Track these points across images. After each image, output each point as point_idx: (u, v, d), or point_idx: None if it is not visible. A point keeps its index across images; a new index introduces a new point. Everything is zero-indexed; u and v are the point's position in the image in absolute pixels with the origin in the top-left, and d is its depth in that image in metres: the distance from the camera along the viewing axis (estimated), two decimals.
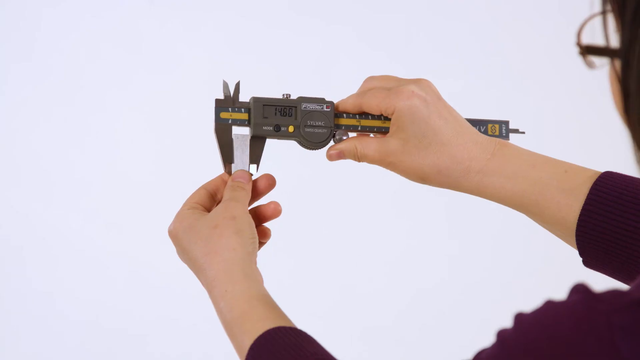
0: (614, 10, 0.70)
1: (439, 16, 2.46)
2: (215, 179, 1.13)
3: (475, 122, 1.17)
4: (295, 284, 2.33)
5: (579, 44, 0.73)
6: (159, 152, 2.36)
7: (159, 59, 2.36)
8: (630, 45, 0.69)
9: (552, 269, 2.49)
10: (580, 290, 0.74)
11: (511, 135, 1.19)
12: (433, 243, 2.46)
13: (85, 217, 2.32)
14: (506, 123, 1.18)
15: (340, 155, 1.14)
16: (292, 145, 2.33)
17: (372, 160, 1.13)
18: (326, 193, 2.43)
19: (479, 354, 0.80)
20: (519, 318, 0.77)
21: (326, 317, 2.36)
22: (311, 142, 1.15)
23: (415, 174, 1.12)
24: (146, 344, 2.33)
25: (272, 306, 1.01)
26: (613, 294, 0.72)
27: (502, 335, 0.77)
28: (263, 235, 1.14)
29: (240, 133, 1.14)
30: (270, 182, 1.15)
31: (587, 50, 0.72)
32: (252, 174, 1.13)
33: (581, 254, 1.08)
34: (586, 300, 0.73)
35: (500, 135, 1.18)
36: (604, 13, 0.71)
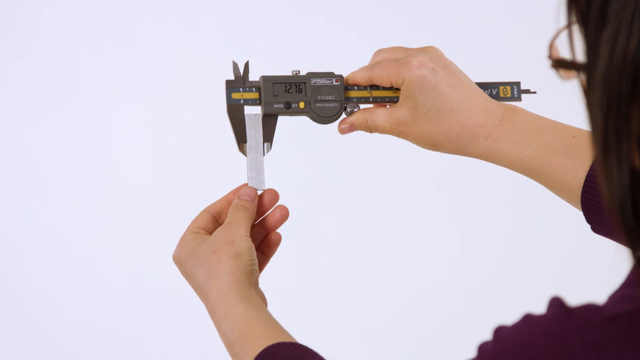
0: (579, 22, 0.70)
1: (439, 15, 2.45)
2: (218, 201, 1.13)
3: (486, 85, 1.18)
4: (295, 285, 2.32)
5: (550, 57, 0.73)
6: (158, 152, 2.36)
7: (158, 58, 2.36)
8: (593, 62, 0.68)
9: (554, 272, 2.48)
10: (555, 305, 0.74)
11: (523, 96, 1.20)
12: (434, 245, 2.45)
13: (84, 218, 2.32)
14: (517, 84, 1.19)
15: (352, 128, 1.15)
16: (292, 142, 2.32)
17: (383, 130, 1.14)
18: (326, 193, 2.43)
19: None
20: (498, 332, 0.77)
21: (325, 318, 2.36)
22: (323, 117, 1.15)
23: (425, 142, 1.13)
24: (144, 346, 2.33)
25: (271, 324, 1.02)
26: (587, 309, 0.72)
27: (482, 350, 0.78)
28: (272, 245, 1.14)
29: (252, 113, 1.15)
30: (274, 197, 1.15)
31: (558, 64, 0.72)
32: (257, 194, 1.13)
33: (587, 220, 1.08)
34: (560, 316, 0.73)
35: (512, 97, 1.19)
36: (569, 25, 0.71)
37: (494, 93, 1.18)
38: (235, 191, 1.14)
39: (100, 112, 2.34)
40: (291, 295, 2.21)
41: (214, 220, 1.12)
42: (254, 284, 1.06)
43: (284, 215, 1.14)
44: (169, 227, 2.30)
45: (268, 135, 1.14)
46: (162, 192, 2.34)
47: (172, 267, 2.34)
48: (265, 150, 1.14)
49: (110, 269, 2.33)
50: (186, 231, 1.11)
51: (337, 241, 2.43)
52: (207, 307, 1.06)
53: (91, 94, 2.33)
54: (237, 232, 1.07)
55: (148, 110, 2.36)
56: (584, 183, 1.06)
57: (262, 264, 1.15)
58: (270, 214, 1.14)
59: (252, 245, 1.08)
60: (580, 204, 1.08)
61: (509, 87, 1.19)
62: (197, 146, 2.35)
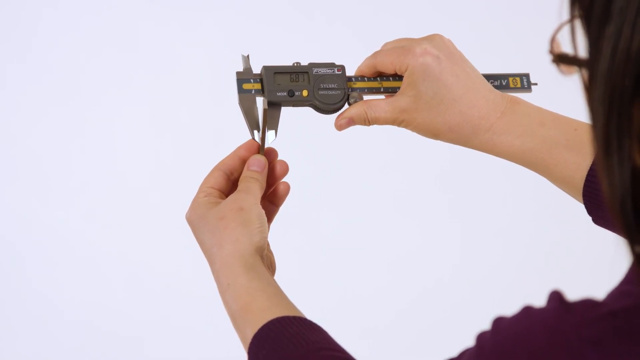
0: (581, 17, 0.70)
1: (440, 15, 2.45)
2: (230, 158, 1.13)
3: (496, 77, 1.18)
4: (296, 284, 2.32)
5: (551, 52, 0.72)
6: (158, 151, 2.36)
7: (158, 58, 2.36)
8: (595, 59, 0.68)
9: (557, 269, 2.48)
10: (555, 299, 0.74)
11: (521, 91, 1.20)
12: (436, 242, 2.45)
13: (83, 218, 2.32)
14: (527, 75, 1.19)
15: (350, 123, 1.13)
16: (293, 139, 2.32)
17: (384, 121, 1.12)
18: (327, 191, 2.43)
19: (462, 353, 0.81)
20: (497, 324, 0.77)
21: (326, 316, 2.36)
22: (327, 104, 1.14)
23: (427, 130, 1.11)
24: (143, 346, 2.33)
25: (275, 296, 1.00)
26: (585, 304, 0.72)
27: (480, 339, 0.78)
28: (280, 195, 1.14)
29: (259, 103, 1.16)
30: (284, 169, 1.14)
31: (559, 59, 0.72)
32: (266, 162, 1.13)
33: (589, 213, 1.08)
34: (558, 310, 0.73)
35: (522, 87, 1.18)
36: (572, 19, 0.71)
37: (503, 84, 1.18)
38: (244, 147, 1.13)
39: (100, 112, 2.34)
40: (292, 293, 2.20)
41: (227, 178, 1.11)
42: (262, 252, 1.05)
43: (284, 169, 1.14)
44: (169, 228, 2.30)
45: (273, 124, 1.14)
46: (162, 191, 2.34)
47: (172, 267, 2.35)
48: (270, 139, 1.15)
49: (110, 269, 2.33)
50: (199, 191, 1.10)
51: (339, 239, 2.42)
52: (212, 274, 1.05)
53: (91, 94, 2.33)
54: (246, 199, 1.06)
55: (148, 110, 2.36)
56: (586, 177, 1.06)
57: (272, 214, 1.14)
58: (271, 170, 1.14)
59: (262, 212, 1.07)
60: (582, 197, 1.07)
61: (518, 79, 1.19)
62: (197, 146, 2.35)
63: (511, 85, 1.18)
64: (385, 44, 1.15)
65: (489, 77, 1.17)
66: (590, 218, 1.09)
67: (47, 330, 2.30)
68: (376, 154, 2.42)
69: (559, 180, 1.09)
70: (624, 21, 0.67)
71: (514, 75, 1.19)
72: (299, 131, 2.08)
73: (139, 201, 2.34)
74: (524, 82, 1.19)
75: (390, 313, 2.42)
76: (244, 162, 1.13)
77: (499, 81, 1.18)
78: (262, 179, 1.11)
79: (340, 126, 1.14)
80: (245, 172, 1.11)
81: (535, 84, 1.20)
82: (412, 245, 2.44)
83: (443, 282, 2.44)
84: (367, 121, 1.13)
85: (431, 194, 2.45)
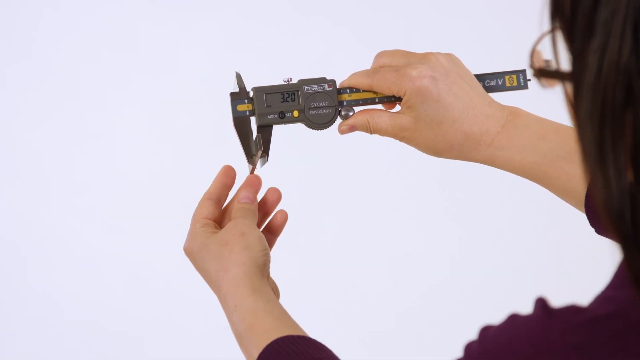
0: (562, 29, 0.69)
1: (439, 15, 2.45)
2: (214, 186, 1.13)
3: (492, 76, 1.17)
4: (295, 286, 2.32)
5: (532, 66, 0.72)
6: (158, 152, 2.36)
7: (158, 58, 2.36)
8: (581, 72, 0.68)
9: (555, 272, 2.48)
10: (539, 306, 0.74)
11: (522, 92, 1.20)
12: (435, 245, 2.45)
13: (83, 218, 2.32)
14: (523, 72, 1.18)
15: (352, 129, 1.15)
16: (291, 144, 2.32)
17: (385, 134, 1.13)
18: (327, 193, 2.43)
19: None
20: (484, 333, 0.77)
21: (326, 319, 2.36)
22: (317, 124, 1.14)
23: (428, 149, 1.13)
24: (143, 346, 2.33)
25: (280, 317, 1.02)
26: (569, 310, 0.72)
27: (468, 350, 0.78)
28: (278, 224, 1.15)
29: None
30: (277, 196, 1.15)
31: (540, 73, 0.71)
32: (256, 193, 1.13)
33: (591, 224, 1.08)
34: (543, 317, 0.73)
35: (518, 85, 1.18)
36: (553, 31, 0.70)
37: (499, 83, 1.17)
38: (222, 173, 1.14)
39: (100, 112, 2.34)
40: (291, 295, 2.20)
41: (217, 206, 1.12)
42: (266, 275, 1.07)
43: (277, 197, 1.15)
44: (169, 227, 2.30)
45: (264, 147, 1.13)
46: (162, 192, 2.34)
47: (172, 267, 2.35)
48: (262, 162, 1.14)
49: (110, 269, 2.33)
50: (194, 223, 1.10)
51: (338, 242, 2.42)
52: (219, 299, 1.06)
53: (91, 94, 2.33)
54: (246, 224, 1.07)
55: (148, 111, 2.36)
56: (588, 189, 1.06)
57: (270, 244, 1.14)
58: (265, 199, 1.15)
59: (262, 235, 1.08)
60: (584, 208, 1.08)
61: (514, 76, 1.18)
62: (197, 146, 2.35)
63: (507, 84, 1.18)
64: (381, 55, 1.15)
65: (485, 77, 1.17)
66: (589, 222, 1.09)
67: (47, 330, 2.31)
68: (376, 156, 2.42)
69: (561, 192, 1.10)
70: (609, 34, 0.66)
71: (510, 73, 1.18)
72: (298, 133, 2.08)
73: (139, 201, 2.34)
74: (520, 80, 1.18)
75: (389, 316, 2.42)
76: (227, 187, 1.13)
77: (495, 80, 1.17)
78: (254, 207, 1.12)
79: (342, 132, 1.15)
80: (236, 205, 1.11)
81: (529, 79, 1.18)
82: (411, 248, 2.44)
83: (442, 286, 2.44)
84: (369, 130, 1.14)
85: (430, 197, 2.45)
